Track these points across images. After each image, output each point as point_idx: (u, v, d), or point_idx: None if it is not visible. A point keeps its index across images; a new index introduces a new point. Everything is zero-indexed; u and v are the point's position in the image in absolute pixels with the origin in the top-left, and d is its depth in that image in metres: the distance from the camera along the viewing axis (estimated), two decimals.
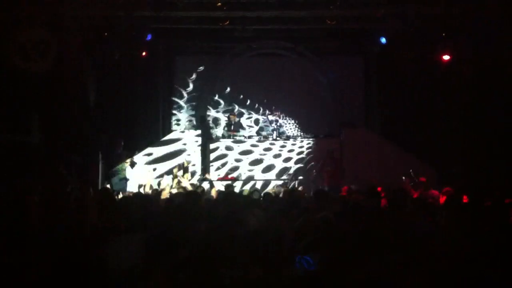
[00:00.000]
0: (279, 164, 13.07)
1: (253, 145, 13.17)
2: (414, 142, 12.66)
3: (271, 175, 12.98)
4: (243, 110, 14.82)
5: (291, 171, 13.00)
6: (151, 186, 10.50)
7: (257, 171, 13.03)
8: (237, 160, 13.08)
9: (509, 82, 10.28)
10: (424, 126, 12.70)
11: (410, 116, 13.11)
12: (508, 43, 9.91)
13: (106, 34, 11.25)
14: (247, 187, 12.19)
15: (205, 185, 11.03)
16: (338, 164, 12.28)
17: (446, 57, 11.64)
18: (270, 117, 14.09)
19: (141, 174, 11.51)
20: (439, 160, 11.92)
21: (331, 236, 4.29)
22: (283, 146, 13.17)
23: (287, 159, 13.10)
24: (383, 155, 12.73)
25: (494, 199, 6.35)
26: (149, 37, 12.30)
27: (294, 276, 3.52)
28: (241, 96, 14.79)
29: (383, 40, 12.83)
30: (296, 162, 13.06)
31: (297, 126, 14.69)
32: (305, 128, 14.55)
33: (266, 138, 13.44)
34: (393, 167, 12.32)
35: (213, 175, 12.84)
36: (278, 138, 13.38)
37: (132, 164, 11.65)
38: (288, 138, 13.67)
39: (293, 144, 13.22)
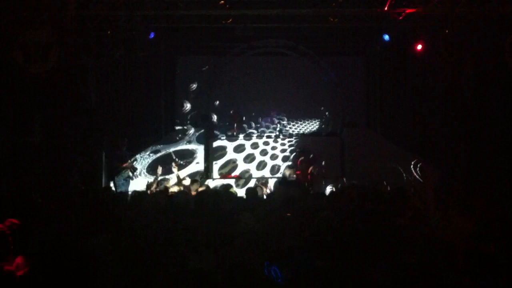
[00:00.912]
0: (278, 163, 13.07)
1: (254, 144, 13.18)
2: (416, 141, 12.64)
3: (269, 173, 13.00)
4: (244, 109, 14.82)
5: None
6: (157, 184, 10.48)
7: (256, 170, 13.05)
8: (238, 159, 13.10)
9: (510, 81, 10.26)
10: (425, 125, 12.66)
11: (411, 115, 13.08)
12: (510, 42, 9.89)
13: (107, 33, 11.26)
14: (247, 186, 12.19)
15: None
16: (310, 164, 12.15)
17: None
18: (272, 116, 14.07)
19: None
20: (441, 160, 11.90)
21: (331, 235, 4.30)
22: (283, 145, 13.18)
23: (286, 158, 13.10)
24: (384, 154, 12.72)
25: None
26: (151, 35, 12.29)
27: (294, 277, 3.51)
28: (242, 95, 14.79)
29: (386, 37, 12.79)
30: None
31: (299, 124, 14.67)
32: (307, 127, 14.54)
33: (267, 137, 13.44)
34: (394, 166, 12.32)
35: (215, 173, 12.88)
36: (279, 137, 13.39)
37: (133, 170, 11.67)
38: (289, 136, 13.67)
39: (293, 143, 13.24)
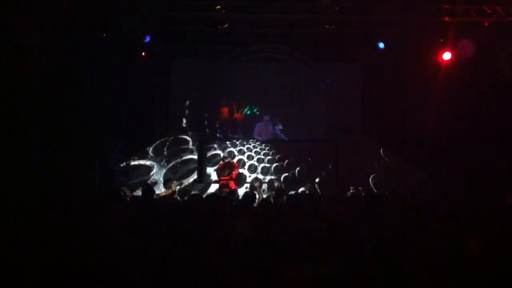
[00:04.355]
0: (274, 168, 13.06)
1: (249, 148, 13.16)
2: (411, 149, 12.68)
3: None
4: (240, 113, 14.82)
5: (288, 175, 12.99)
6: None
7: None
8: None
9: (508, 87, 10.34)
10: (421, 132, 12.70)
11: (407, 122, 13.11)
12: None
13: (104, 35, 11.23)
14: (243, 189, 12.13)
15: None
16: (235, 171, 11.58)
17: (446, 57, 11.62)
18: (267, 121, 14.05)
19: None
20: (436, 167, 11.94)
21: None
22: (279, 149, 13.18)
23: (282, 162, 13.09)
24: (379, 161, 12.74)
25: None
26: (147, 38, 12.28)
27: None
28: (238, 99, 14.81)
29: (381, 45, 12.85)
30: (292, 166, 13.04)
31: (294, 130, 14.66)
32: (302, 133, 14.55)
33: (262, 141, 13.44)
34: (389, 173, 12.35)
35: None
36: (275, 142, 13.39)
37: (126, 173, 11.63)
38: (284, 141, 13.67)
39: (289, 148, 13.24)
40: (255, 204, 6.92)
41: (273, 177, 12.86)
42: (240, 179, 12.06)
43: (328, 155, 12.98)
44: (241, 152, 13.12)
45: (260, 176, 12.88)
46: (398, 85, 13.02)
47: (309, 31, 12.50)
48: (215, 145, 13.26)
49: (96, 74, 11.36)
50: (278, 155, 13.10)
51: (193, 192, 9.32)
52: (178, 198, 8.94)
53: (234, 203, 6.65)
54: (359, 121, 14.60)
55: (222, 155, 12.65)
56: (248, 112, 14.87)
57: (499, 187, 9.50)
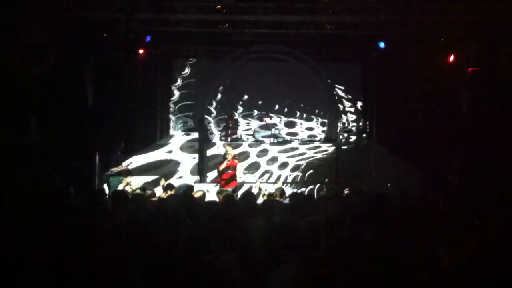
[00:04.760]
0: (275, 169, 13.08)
1: (250, 147, 13.19)
2: (411, 149, 12.67)
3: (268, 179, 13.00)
4: (241, 113, 14.82)
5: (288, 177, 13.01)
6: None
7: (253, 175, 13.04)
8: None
9: (507, 90, 10.33)
10: (422, 132, 12.69)
11: (407, 122, 13.10)
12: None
13: (105, 36, 11.24)
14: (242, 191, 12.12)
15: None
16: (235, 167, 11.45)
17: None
18: (268, 121, 14.07)
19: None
20: (437, 167, 11.93)
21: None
22: (280, 150, 13.20)
23: (284, 164, 13.12)
24: (380, 162, 12.74)
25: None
26: (148, 38, 12.29)
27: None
28: (239, 99, 14.80)
29: (382, 44, 12.83)
30: (294, 167, 13.05)
31: (294, 130, 14.67)
32: (302, 133, 14.55)
33: (263, 142, 13.45)
34: (389, 173, 12.35)
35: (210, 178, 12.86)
36: (275, 142, 13.40)
37: (127, 173, 11.62)
38: (285, 142, 13.67)
39: (291, 149, 13.26)
40: (256, 204, 6.92)
41: (274, 177, 12.89)
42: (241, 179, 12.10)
43: (328, 155, 13.01)
44: (242, 152, 13.13)
45: (262, 177, 12.93)
46: (398, 85, 13.00)
47: (310, 31, 12.49)
48: (216, 145, 13.28)
49: (96, 74, 11.37)
50: (280, 156, 13.12)
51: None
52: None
53: (235, 204, 6.63)
54: (359, 121, 14.59)
55: (222, 154, 12.65)
56: (248, 112, 14.85)
57: (499, 187, 9.51)
